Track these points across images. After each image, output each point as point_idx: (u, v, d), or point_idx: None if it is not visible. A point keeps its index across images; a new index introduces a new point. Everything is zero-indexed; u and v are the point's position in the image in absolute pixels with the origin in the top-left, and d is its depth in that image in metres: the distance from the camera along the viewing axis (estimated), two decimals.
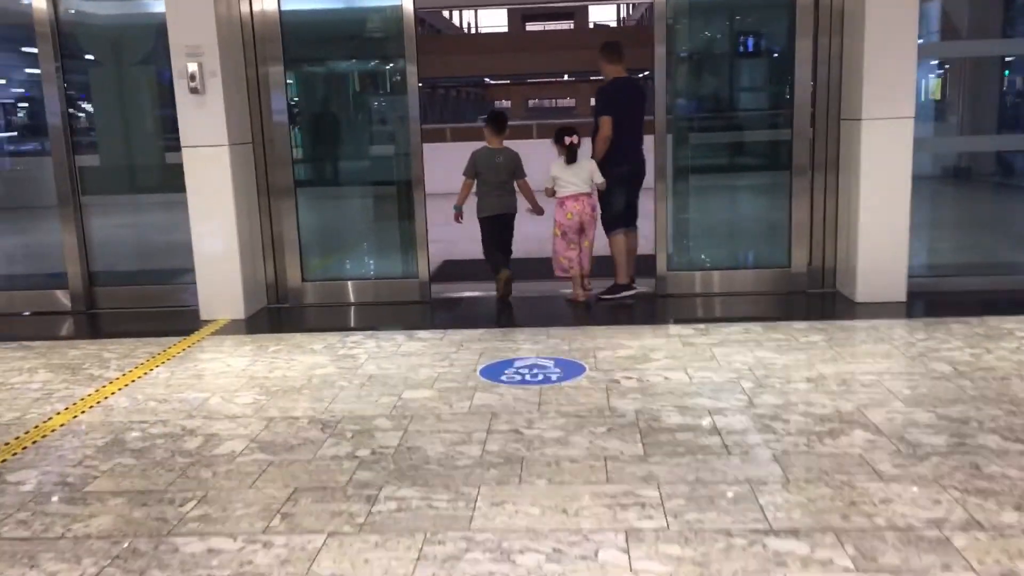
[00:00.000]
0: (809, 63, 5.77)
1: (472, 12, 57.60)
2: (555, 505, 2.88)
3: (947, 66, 7.84)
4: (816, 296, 6.00)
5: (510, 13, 56.63)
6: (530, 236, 6.84)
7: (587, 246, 5.74)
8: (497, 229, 6.09)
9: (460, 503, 2.92)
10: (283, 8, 5.90)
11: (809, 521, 2.69)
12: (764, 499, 2.85)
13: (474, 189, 6.14)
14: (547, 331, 5.20)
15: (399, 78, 6.09)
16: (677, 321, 5.41)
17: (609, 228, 5.75)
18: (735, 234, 6.61)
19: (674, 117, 6.01)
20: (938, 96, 8.17)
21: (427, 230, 6.13)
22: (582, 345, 4.87)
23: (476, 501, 2.93)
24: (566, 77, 56.30)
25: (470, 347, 4.93)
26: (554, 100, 77.26)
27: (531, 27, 51.11)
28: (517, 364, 4.56)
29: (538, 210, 6.12)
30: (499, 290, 5.94)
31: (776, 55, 6.48)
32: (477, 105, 61.05)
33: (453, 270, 7.24)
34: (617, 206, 5.72)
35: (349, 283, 6.30)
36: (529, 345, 4.93)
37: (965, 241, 7.27)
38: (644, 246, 6.25)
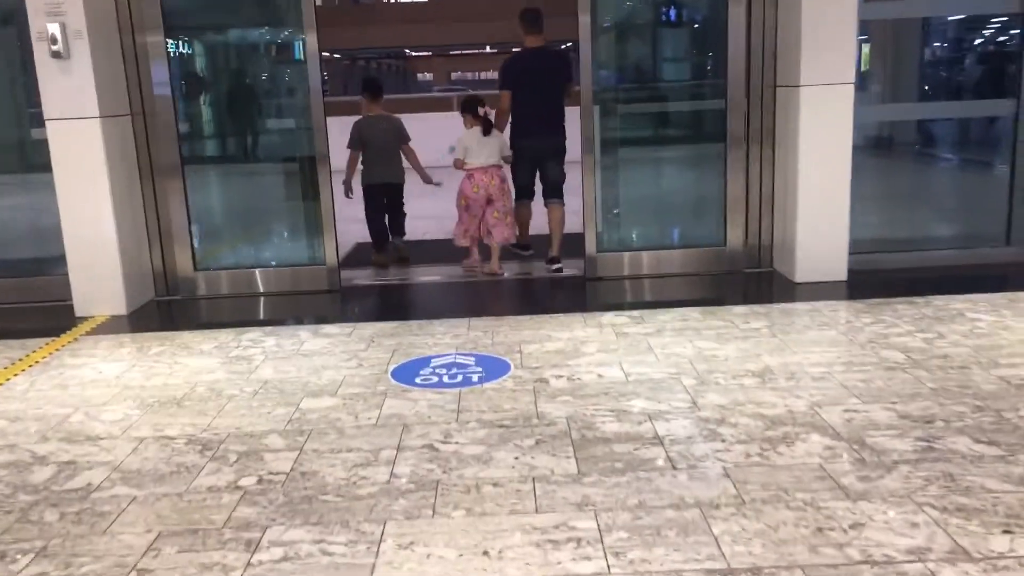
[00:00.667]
0: (743, 28, 5.37)
1: None
2: (475, 545, 2.41)
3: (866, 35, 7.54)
4: (753, 276, 5.66)
5: None
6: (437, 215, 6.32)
7: (496, 216, 5.54)
8: (383, 198, 6.12)
9: (360, 546, 2.43)
10: None
11: (772, 556, 2.28)
12: (718, 528, 2.44)
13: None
14: (468, 322, 4.72)
15: (297, 46, 5.46)
16: (609, 308, 4.98)
17: (515, 198, 5.74)
18: (667, 211, 6.21)
19: (599, 88, 5.55)
20: (866, 65, 7.89)
21: (334, 210, 5.54)
22: (506, 338, 4.40)
23: (380, 543, 2.44)
24: (488, 49, 55.59)
25: (382, 343, 4.41)
26: (478, 73, 76.32)
27: None
28: (434, 363, 4.06)
29: (426, 178, 6.14)
30: (379, 263, 6.00)
31: (706, 21, 6.09)
32: (399, 77, 59.75)
33: (367, 254, 6.67)
34: (520, 181, 5.68)
35: (248, 272, 5.69)
36: (448, 339, 4.43)
37: (898, 214, 7.04)
38: (573, 223, 5.82)
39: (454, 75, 74.60)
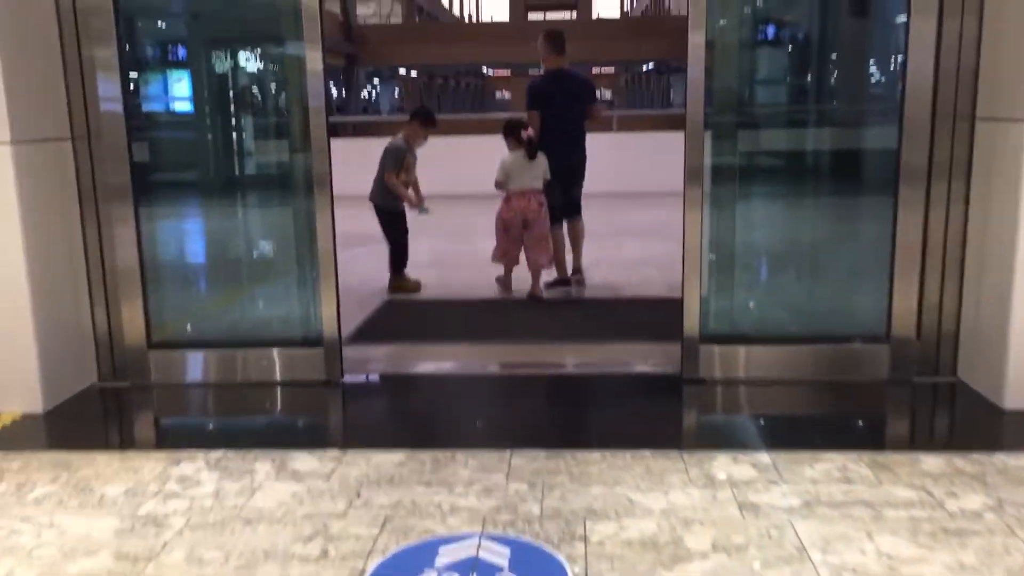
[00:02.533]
0: (930, 44, 3.68)
1: (473, 2, 55.43)
2: None
3: None
4: (927, 390, 3.92)
5: (512, 3, 54.42)
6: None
7: (535, 240, 5.33)
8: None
9: None
10: None
11: None
12: None
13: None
14: (508, 460, 3.12)
15: (291, 60, 4.04)
16: (721, 444, 3.32)
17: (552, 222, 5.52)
18: (805, 286, 4.53)
19: (715, 110, 3.93)
20: None
21: (337, 262, 4.01)
22: (563, 502, 2.79)
23: None
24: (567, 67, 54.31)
25: (372, 499, 2.85)
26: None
27: (533, 17, 48.90)
28: (443, 557, 2.48)
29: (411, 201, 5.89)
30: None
31: (861, 32, 4.41)
32: (476, 96, 58.88)
33: (393, 319, 5.17)
34: (554, 202, 5.47)
35: (218, 353, 4.19)
36: (473, 497, 2.84)
37: None
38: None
39: None
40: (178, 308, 4.45)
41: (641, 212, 8.68)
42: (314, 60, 3.81)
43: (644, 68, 50.00)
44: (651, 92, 53.27)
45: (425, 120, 5.78)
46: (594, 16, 50.86)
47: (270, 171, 4.64)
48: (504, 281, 5.52)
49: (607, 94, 67.40)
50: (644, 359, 4.26)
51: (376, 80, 49.98)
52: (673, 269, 4.04)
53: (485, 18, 50.22)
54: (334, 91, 36.59)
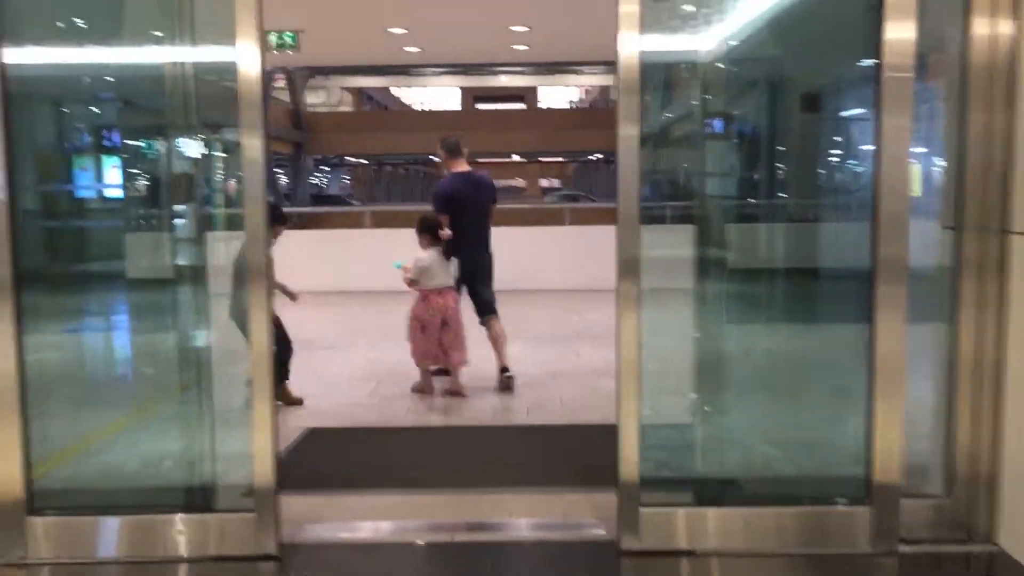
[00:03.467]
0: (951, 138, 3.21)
1: (423, 91, 56.10)
2: None
3: None
4: (956, 561, 3.28)
5: (463, 93, 55.20)
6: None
7: (453, 338, 5.33)
8: None
9: None
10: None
11: None
12: None
13: None
14: None
15: (227, 146, 3.41)
16: None
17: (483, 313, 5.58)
18: (777, 410, 3.89)
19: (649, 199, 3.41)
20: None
21: (276, 373, 3.26)
22: None
23: None
24: (515, 157, 54.83)
25: None
26: (505, 180, 75.92)
27: (482, 107, 49.53)
28: None
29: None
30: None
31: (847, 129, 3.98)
32: (426, 184, 59.04)
33: (328, 452, 4.41)
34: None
35: (113, 521, 3.37)
36: None
37: None
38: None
39: None
40: (71, 445, 3.66)
41: (601, 311, 8.13)
42: (253, 147, 3.15)
43: (592, 157, 50.87)
44: (599, 181, 54.11)
45: (275, 218, 5.19)
46: (542, 107, 51.67)
47: (192, 262, 3.87)
48: (424, 384, 5.38)
49: (556, 182, 68.43)
50: (582, 514, 3.53)
51: (325, 168, 49.92)
52: None
53: (435, 108, 50.65)
54: (282, 179, 36.15)
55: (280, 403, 4.53)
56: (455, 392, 5.31)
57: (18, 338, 3.21)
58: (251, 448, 3.20)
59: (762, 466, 3.68)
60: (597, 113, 43.71)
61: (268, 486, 3.21)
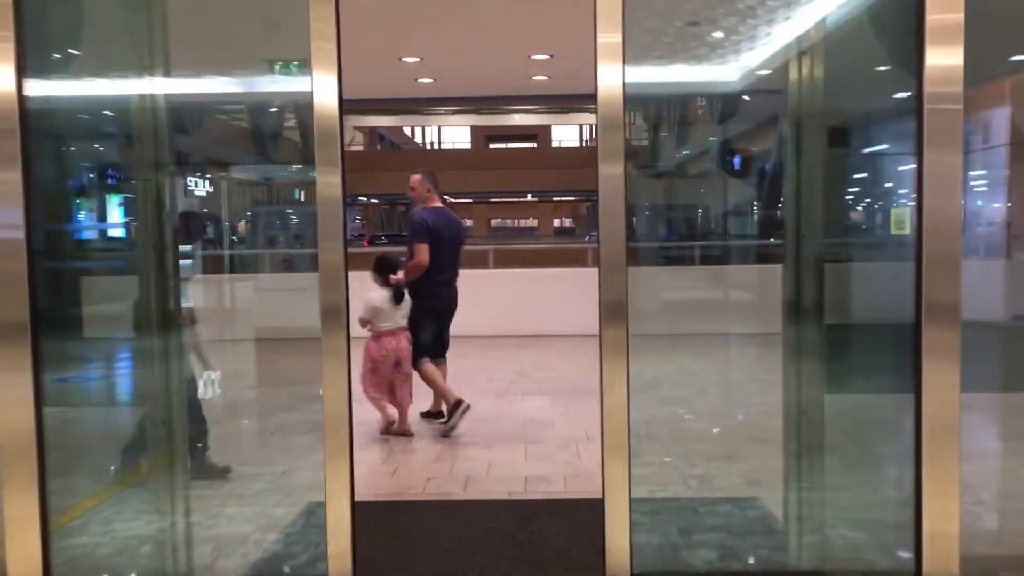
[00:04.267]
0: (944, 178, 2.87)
1: (435, 131, 56.45)
2: None
3: None
4: None
5: (474, 132, 55.55)
6: None
7: (404, 378, 5.28)
8: None
9: None
10: None
11: None
12: None
13: None
14: None
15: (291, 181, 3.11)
16: None
17: (416, 358, 5.33)
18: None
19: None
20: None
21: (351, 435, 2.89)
22: None
23: None
24: (529, 197, 54.88)
25: None
26: (517, 220, 76.19)
27: (494, 147, 49.69)
28: None
29: None
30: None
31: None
32: None
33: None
34: (425, 339, 5.36)
35: None
36: None
37: None
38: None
39: (494, 222, 74.50)
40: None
41: (635, 358, 7.78)
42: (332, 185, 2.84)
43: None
44: None
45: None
46: (556, 145, 51.80)
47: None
48: (388, 423, 5.24)
49: (567, 222, 68.41)
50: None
51: None
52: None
53: (446, 147, 50.82)
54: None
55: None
56: (402, 433, 5.18)
57: (37, 388, 2.88)
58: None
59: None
60: None
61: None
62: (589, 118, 46.55)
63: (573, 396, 6.20)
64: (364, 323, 5.18)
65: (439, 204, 5.42)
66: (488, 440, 5.00)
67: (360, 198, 46.06)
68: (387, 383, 5.22)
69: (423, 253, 5.14)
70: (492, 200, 61.80)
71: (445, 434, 5.13)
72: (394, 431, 5.17)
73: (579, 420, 5.50)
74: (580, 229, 48.00)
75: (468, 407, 5.17)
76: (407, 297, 5.25)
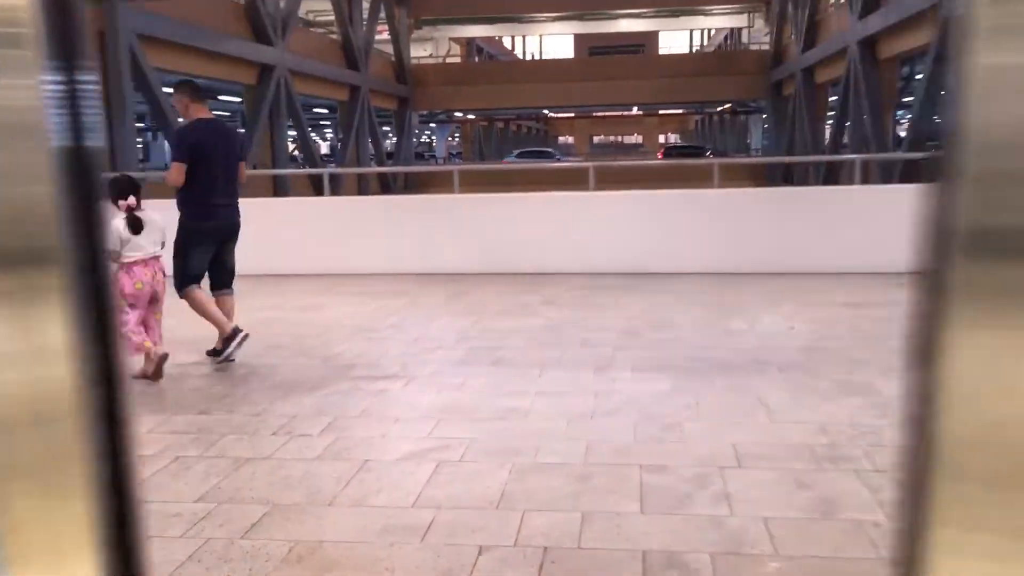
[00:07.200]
0: None
1: (536, 42, 53.57)
2: None
3: None
4: None
5: (577, 43, 52.37)
6: None
7: (159, 318, 4.63)
8: None
9: None
10: None
11: None
12: None
13: None
14: None
15: None
16: None
17: (182, 286, 4.71)
18: None
19: None
20: None
21: None
22: None
23: None
24: (635, 110, 51.61)
25: None
26: (621, 136, 72.85)
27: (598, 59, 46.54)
28: None
29: None
30: None
31: None
32: (538, 141, 56.64)
33: None
34: (196, 266, 4.77)
35: None
36: None
37: None
38: None
39: (596, 138, 71.42)
40: None
41: (775, 311, 5.75)
42: None
43: (717, 109, 47.19)
44: (724, 136, 50.37)
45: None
46: (663, 53, 48.19)
47: None
48: (145, 371, 4.44)
49: (674, 138, 64.63)
50: None
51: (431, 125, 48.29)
52: None
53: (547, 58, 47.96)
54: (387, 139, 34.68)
55: None
56: (146, 375, 4.43)
57: None
58: None
59: None
60: (727, 58, 40.17)
61: None
62: (702, 22, 42.94)
63: (705, 375, 4.24)
64: (114, 256, 4.40)
65: (206, 115, 4.89)
66: (581, 463, 3.12)
67: (456, 114, 44.12)
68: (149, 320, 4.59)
69: (174, 173, 4.69)
70: (594, 115, 58.80)
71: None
72: (137, 374, 4.42)
73: (719, 422, 3.56)
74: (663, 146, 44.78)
75: (246, 336, 4.69)
76: (153, 219, 4.60)
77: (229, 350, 4.65)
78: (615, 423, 3.54)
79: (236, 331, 4.68)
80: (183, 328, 4.90)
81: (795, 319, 5.45)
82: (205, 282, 4.82)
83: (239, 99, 23.34)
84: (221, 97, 25.50)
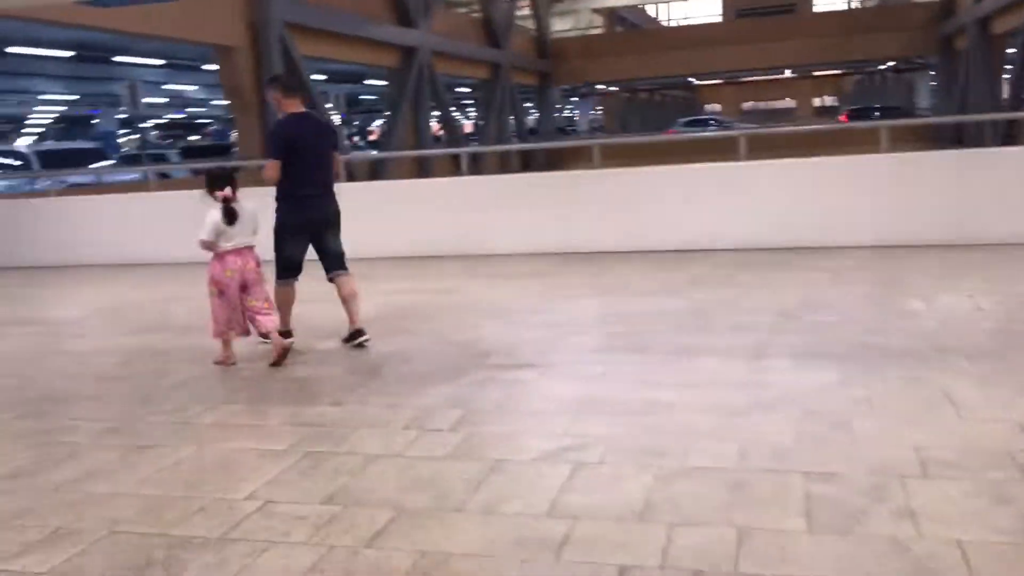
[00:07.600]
0: None
1: (681, 8, 51.76)
2: None
3: None
4: None
5: (725, 7, 50.14)
6: None
7: (254, 305, 4.56)
8: None
9: None
10: None
11: None
12: None
13: None
14: None
15: None
16: None
17: (277, 277, 4.83)
18: None
19: None
20: None
21: None
22: None
23: None
24: (788, 73, 48.95)
25: None
26: (772, 102, 69.66)
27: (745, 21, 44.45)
28: None
29: None
30: None
31: None
32: (685, 110, 54.83)
33: None
34: (290, 258, 4.82)
35: None
36: None
37: None
38: None
39: (745, 105, 68.68)
40: None
41: (953, 286, 5.14)
42: None
43: (877, 68, 44.04)
44: (887, 95, 47.02)
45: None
46: (817, 11, 45.39)
47: None
48: (226, 356, 4.64)
49: (829, 100, 61.00)
50: None
51: (573, 98, 47.65)
52: None
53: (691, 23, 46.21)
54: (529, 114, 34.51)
55: None
56: (223, 363, 4.61)
57: None
58: None
59: None
60: (890, 12, 37.29)
61: None
62: None
63: (876, 365, 3.77)
64: (208, 245, 4.59)
65: (299, 109, 4.90)
66: (735, 467, 2.79)
67: (598, 86, 43.31)
68: (240, 311, 4.61)
69: (269, 170, 4.73)
70: (743, 80, 56.35)
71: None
72: (216, 360, 4.60)
73: (896, 421, 3.13)
74: (846, 107, 41.97)
75: (366, 340, 4.70)
76: (247, 209, 4.63)
77: (355, 341, 4.69)
78: (773, 420, 3.17)
79: (359, 332, 4.72)
80: (321, 315, 4.88)
81: (979, 298, 4.82)
82: (314, 271, 4.78)
83: (384, 82, 23.78)
84: (367, 81, 26.09)
